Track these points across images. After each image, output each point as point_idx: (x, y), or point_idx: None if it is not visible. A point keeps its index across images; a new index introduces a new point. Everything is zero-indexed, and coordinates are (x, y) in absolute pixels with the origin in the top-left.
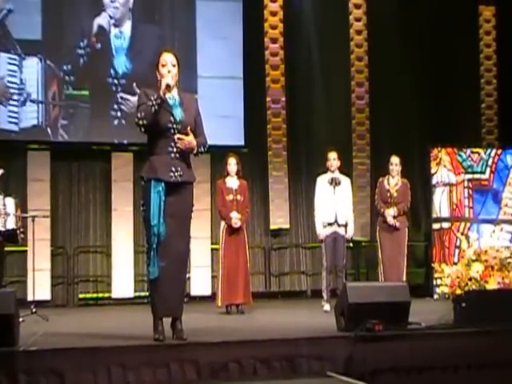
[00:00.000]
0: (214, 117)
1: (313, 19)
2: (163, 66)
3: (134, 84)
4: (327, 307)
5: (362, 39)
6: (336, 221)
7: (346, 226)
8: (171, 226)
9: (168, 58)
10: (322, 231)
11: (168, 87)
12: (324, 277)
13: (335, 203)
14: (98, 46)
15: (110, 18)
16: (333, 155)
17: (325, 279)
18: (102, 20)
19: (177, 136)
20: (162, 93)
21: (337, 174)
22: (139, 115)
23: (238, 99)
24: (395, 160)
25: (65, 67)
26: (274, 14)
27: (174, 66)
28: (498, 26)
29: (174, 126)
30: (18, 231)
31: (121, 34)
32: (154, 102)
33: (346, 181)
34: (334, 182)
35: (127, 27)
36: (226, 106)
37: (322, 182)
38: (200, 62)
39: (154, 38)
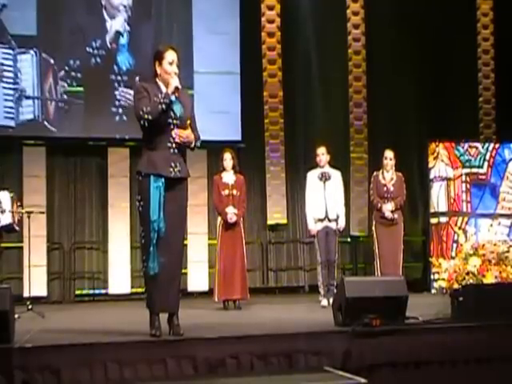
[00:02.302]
0: (210, 112)
1: (310, 13)
2: (170, 63)
3: (137, 78)
4: (324, 302)
5: (360, 33)
6: (327, 216)
7: (337, 219)
8: (169, 222)
9: (175, 57)
10: (313, 227)
11: (177, 90)
12: (320, 272)
13: (326, 199)
14: (97, 44)
15: (109, 16)
16: (321, 150)
17: (321, 274)
18: (124, 26)
19: (174, 131)
20: (170, 92)
21: (326, 169)
22: (145, 109)
23: (235, 94)
24: (389, 154)
25: (60, 63)
26: (270, 8)
27: (178, 66)
28: (496, 20)
29: (174, 121)
30: (14, 225)
31: (120, 30)
32: (162, 101)
33: (336, 174)
34: (324, 177)
35: (125, 23)
36: (222, 101)
37: (312, 177)
38: (196, 57)
39: (150, 33)
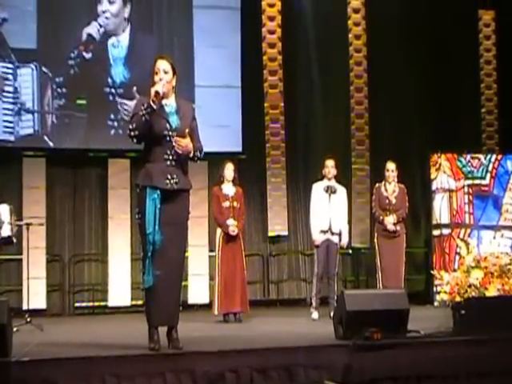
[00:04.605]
0: (211, 126)
1: (311, 24)
2: (156, 73)
3: (135, 88)
4: (315, 315)
5: (361, 44)
6: (330, 229)
7: (339, 234)
8: (167, 234)
9: (161, 66)
10: (317, 237)
11: (157, 94)
12: (314, 284)
13: (330, 211)
14: (95, 56)
15: (107, 27)
16: (330, 163)
17: (315, 286)
18: (98, 30)
19: (174, 139)
20: (151, 101)
21: (333, 183)
22: (131, 127)
23: (236, 108)
24: (391, 166)
25: (60, 76)
26: (271, 19)
27: (166, 72)
28: (498, 31)
29: (170, 133)
30: (12, 237)
31: (118, 44)
32: (144, 112)
33: (341, 190)
34: (330, 190)
35: (125, 37)
36: (223, 114)
37: (318, 189)
38: (197, 71)
39: (151, 47)
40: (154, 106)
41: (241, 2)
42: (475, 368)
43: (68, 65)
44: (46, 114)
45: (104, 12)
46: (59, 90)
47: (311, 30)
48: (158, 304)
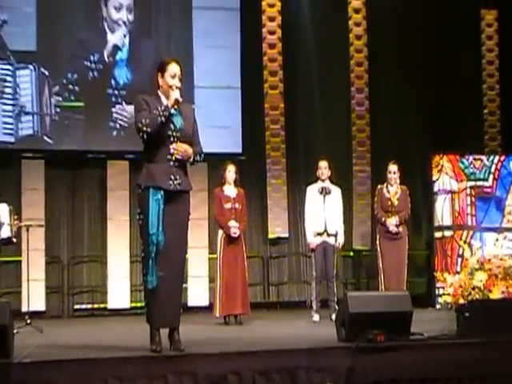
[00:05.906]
0: (211, 127)
1: (311, 24)
2: (172, 76)
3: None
4: (316, 318)
5: (362, 44)
6: (325, 230)
7: (335, 235)
8: (169, 235)
9: (177, 70)
10: (312, 240)
11: (178, 103)
12: (314, 287)
13: (325, 212)
14: (95, 58)
15: (109, 30)
16: (324, 164)
17: (314, 289)
18: (123, 41)
19: (173, 146)
20: (170, 105)
21: (327, 184)
22: (143, 121)
23: (236, 108)
24: (393, 168)
25: (59, 78)
26: (272, 19)
27: (180, 80)
28: (501, 31)
29: (174, 133)
30: (12, 238)
31: (118, 45)
32: (162, 113)
33: (336, 190)
34: (324, 192)
35: (123, 37)
36: (223, 115)
37: (312, 191)
38: (197, 72)
39: (150, 48)
40: (172, 111)
41: (240, 3)
42: (479, 371)
43: (72, 66)
44: (45, 115)
45: (124, 22)
46: (58, 91)
47: (312, 30)
48: (160, 306)
